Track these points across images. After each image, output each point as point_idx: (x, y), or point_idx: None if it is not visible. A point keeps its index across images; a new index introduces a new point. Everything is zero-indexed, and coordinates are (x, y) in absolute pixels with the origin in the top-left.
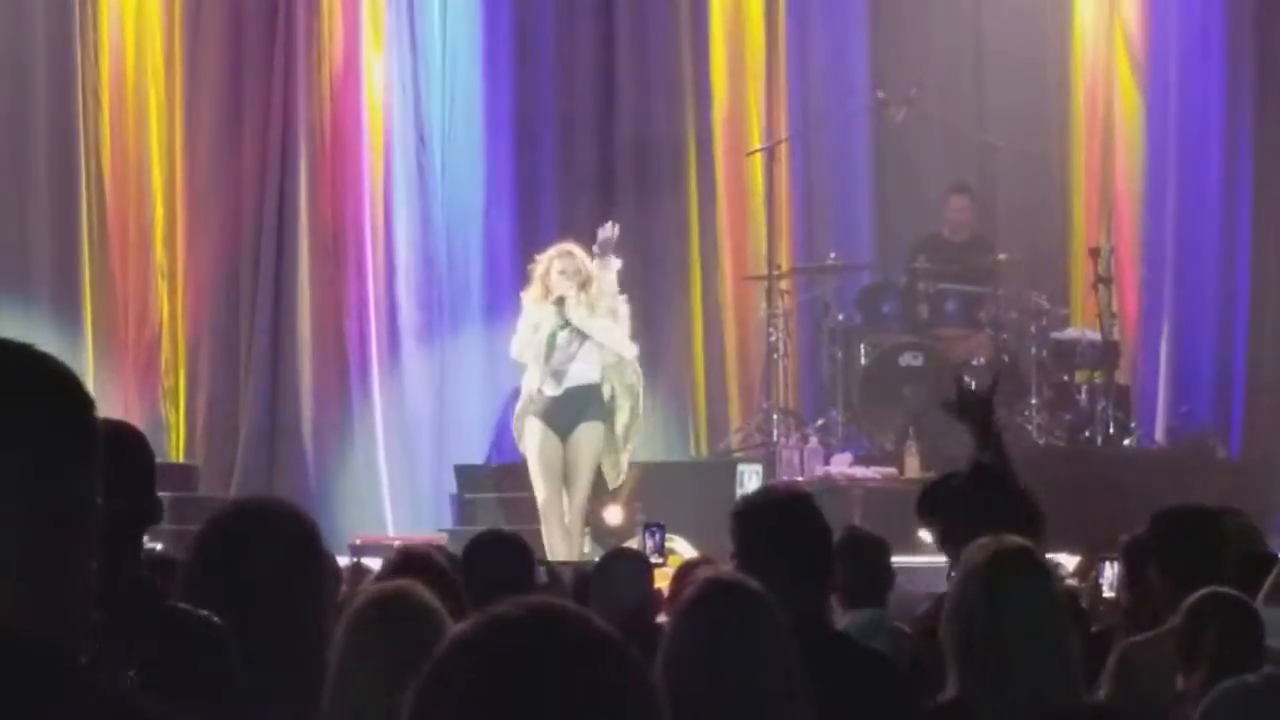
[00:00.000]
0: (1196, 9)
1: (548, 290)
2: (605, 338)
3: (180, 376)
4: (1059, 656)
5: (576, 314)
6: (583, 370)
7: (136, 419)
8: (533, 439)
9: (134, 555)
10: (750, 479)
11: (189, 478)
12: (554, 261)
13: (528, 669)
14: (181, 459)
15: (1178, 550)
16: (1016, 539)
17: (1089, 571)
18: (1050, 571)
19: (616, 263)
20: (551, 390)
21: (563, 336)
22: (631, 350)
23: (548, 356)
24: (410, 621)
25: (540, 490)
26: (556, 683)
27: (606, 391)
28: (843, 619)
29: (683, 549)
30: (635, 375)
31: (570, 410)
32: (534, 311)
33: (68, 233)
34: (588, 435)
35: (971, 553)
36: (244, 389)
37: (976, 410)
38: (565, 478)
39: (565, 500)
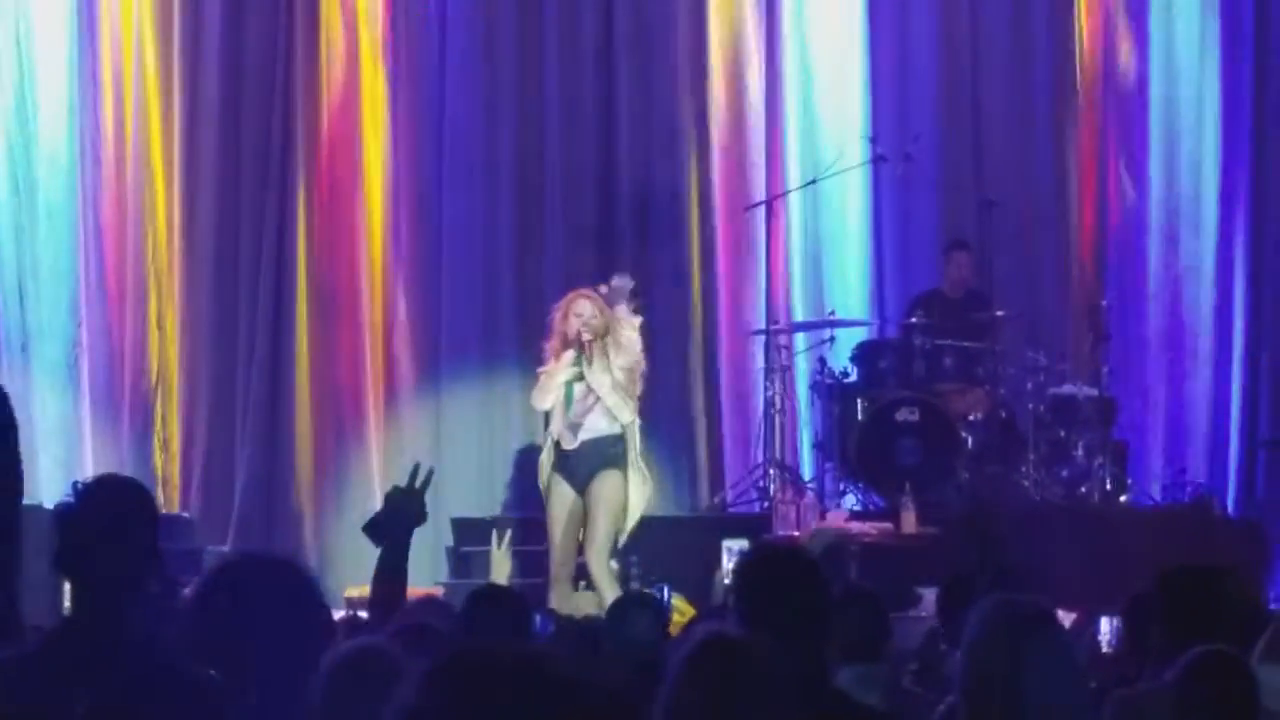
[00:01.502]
0: (1194, 61)
1: (565, 338)
2: (608, 398)
3: (176, 429)
4: (1071, 715)
5: (590, 364)
6: (599, 422)
7: (132, 471)
8: (551, 493)
9: (136, 609)
10: (735, 556)
11: (185, 530)
12: (571, 306)
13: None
14: (177, 511)
15: (1185, 609)
16: (1034, 600)
17: (1085, 628)
18: (1066, 632)
19: (636, 319)
20: (568, 444)
21: (579, 389)
22: (625, 417)
23: (566, 408)
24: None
25: (552, 545)
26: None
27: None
28: (840, 674)
29: (683, 608)
30: (631, 440)
31: (586, 463)
32: (552, 360)
33: (64, 281)
34: (603, 485)
35: (990, 611)
36: (240, 442)
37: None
38: (585, 530)
39: (574, 554)
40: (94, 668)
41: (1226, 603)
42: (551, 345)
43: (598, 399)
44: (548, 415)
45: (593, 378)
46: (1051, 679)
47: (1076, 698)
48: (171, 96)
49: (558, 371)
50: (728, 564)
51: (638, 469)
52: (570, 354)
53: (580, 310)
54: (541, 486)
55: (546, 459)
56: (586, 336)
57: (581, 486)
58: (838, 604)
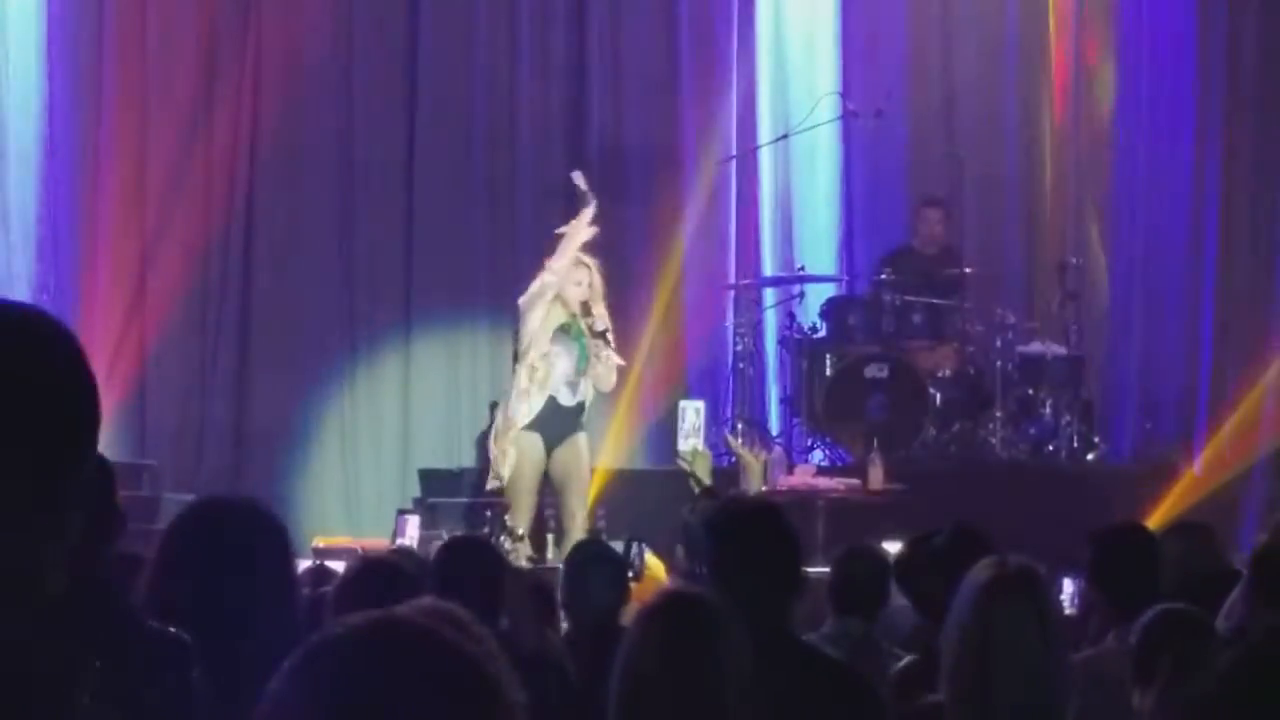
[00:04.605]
0: (1166, 27)
1: (559, 298)
2: (605, 374)
3: (144, 375)
4: (1043, 680)
5: (589, 334)
6: (586, 388)
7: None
8: (527, 444)
9: (102, 562)
10: (689, 415)
11: (151, 478)
12: (571, 273)
13: (363, 685)
14: (144, 459)
15: (1113, 568)
16: (1021, 560)
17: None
18: (1047, 594)
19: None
20: (566, 400)
21: (580, 349)
22: (606, 385)
23: (579, 364)
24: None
25: (517, 500)
26: (397, 700)
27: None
28: (828, 625)
29: (654, 565)
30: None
31: (566, 424)
32: (543, 316)
33: (32, 228)
34: (579, 444)
35: (974, 572)
36: (207, 389)
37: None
38: (561, 483)
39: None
40: (87, 634)
41: (1156, 559)
42: (535, 295)
43: (587, 362)
44: (514, 369)
45: (595, 353)
46: (1024, 644)
47: (1051, 663)
48: (144, 37)
49: (559, 332)
50: (681, 423)
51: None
52: (558, 314)
53: (580, 279)
54: (504, 440)
55: (524, 413)
56: (580, 304)
57: (555, 443)
58: (842, 557)
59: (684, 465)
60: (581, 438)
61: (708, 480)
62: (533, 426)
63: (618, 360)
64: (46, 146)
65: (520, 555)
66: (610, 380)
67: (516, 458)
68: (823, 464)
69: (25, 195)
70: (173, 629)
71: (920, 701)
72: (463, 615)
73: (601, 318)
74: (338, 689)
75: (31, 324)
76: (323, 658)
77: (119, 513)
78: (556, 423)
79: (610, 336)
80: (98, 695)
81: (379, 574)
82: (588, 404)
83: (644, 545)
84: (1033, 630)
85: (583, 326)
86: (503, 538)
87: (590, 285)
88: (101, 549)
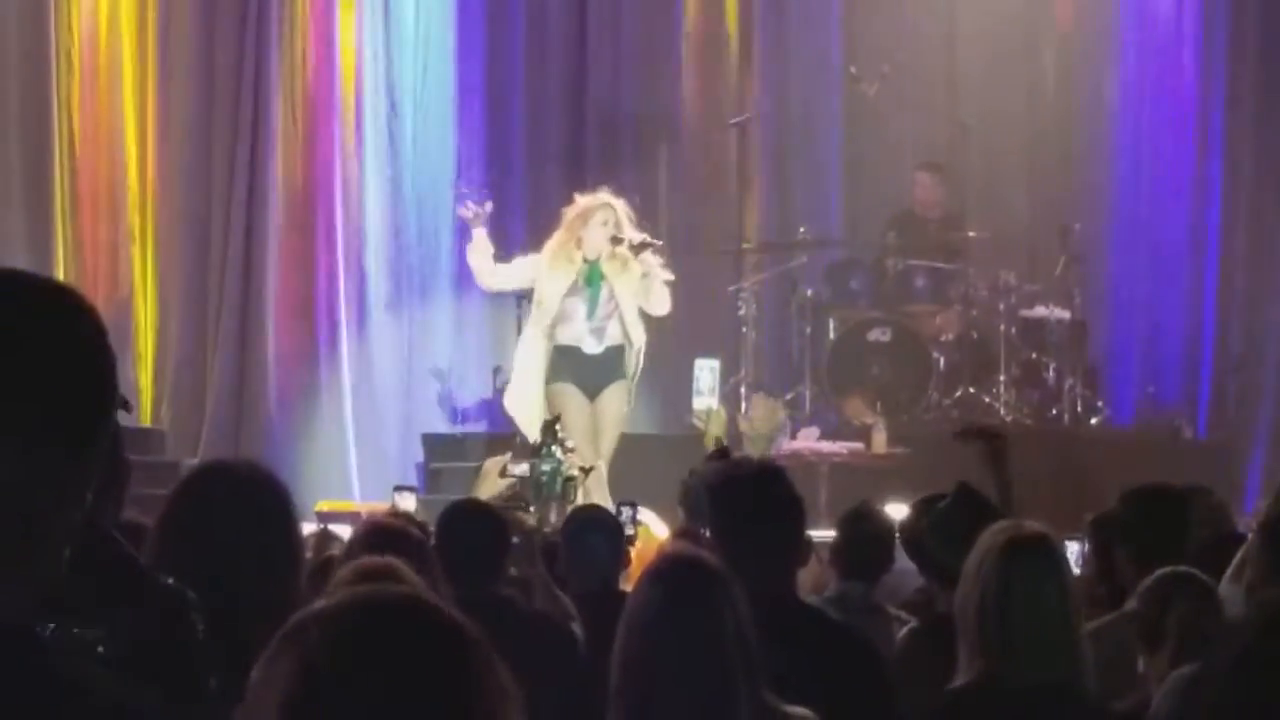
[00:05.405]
0: None
1: (578, 239)
2: (660, 294)
3: (150, 340)
4: (1065, 642)
5: (612, 272)
6: (616, 330)
7: None
8: (564, 399)
9: (112, 516)
10: (705, 374)
11: (156, 442)
12: (595, 214)
13: (351, 655)
14: (149, 423)
15: (1147, 529)
16: (1036, 525)
17: None
18: (1063, 558)
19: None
20: (591, 348)
21: (604, 291)
22: (662, 306)
23: (590, 313)
24: None
25: (581, 445)
26: (390, 671)
27: (629, 356)
28: (831, 588)
29: (653, 524)
30: (637, 358)
31: (603, 372)
32: (561, 263)
33: (40, 196)
34: (617, 395)
35: (990, 535)
36: (213, 354)
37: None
38: (596, 432)
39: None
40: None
41: (1187, 523)
42: (558, 241)
43: (617, 305)
44: (520, 324)
45: (620, 286)
46: (1045, 604)
47: (1065, 624)
48: (147, 8)
49: (573, 277)
50: (697, 382)
51: (633, 385)
52: (576, 259)
53: (605, 218)
54: (543, 394)
55: (544, 363)
56: (606, 246)
57: (595, 393)
58: (847, 520)
59: (698, 424)
60: (614, 389)
61: (724, 439)
62: (567, 380)
63: (666, 275)
64: (51, 108)
65: (574, 466)
66: (665, 301)
67: (560, 409)
68: (826, 428)
69: (27, 163)
70: (175, 583)
71: (945, 686)
72: (397, 566)
73: (634, 237)
74: (324, 662)
75: (56, 296)
76: (309, 631)
77: (124, 467)
78: (588, 373)
79: (651, 241)
80: (104, 649)
81: (387, 538)
82: (635, 349)
83: (637, 508)
84: (1052, 590)
85: (601, 270)
86: (553, 446)
87: (615, 223)
88: (106, 505)
